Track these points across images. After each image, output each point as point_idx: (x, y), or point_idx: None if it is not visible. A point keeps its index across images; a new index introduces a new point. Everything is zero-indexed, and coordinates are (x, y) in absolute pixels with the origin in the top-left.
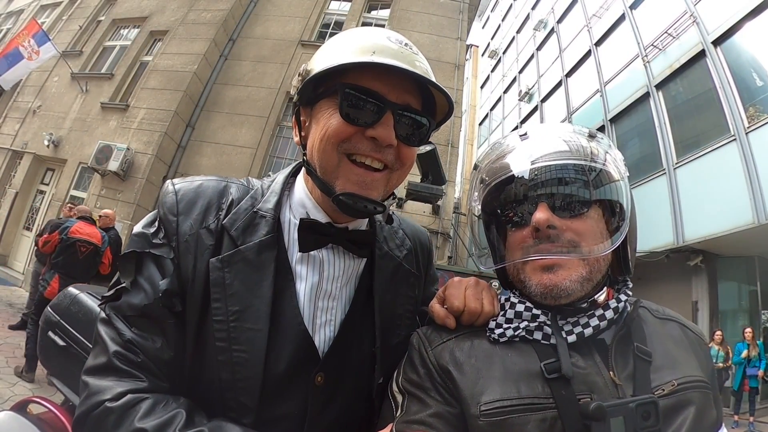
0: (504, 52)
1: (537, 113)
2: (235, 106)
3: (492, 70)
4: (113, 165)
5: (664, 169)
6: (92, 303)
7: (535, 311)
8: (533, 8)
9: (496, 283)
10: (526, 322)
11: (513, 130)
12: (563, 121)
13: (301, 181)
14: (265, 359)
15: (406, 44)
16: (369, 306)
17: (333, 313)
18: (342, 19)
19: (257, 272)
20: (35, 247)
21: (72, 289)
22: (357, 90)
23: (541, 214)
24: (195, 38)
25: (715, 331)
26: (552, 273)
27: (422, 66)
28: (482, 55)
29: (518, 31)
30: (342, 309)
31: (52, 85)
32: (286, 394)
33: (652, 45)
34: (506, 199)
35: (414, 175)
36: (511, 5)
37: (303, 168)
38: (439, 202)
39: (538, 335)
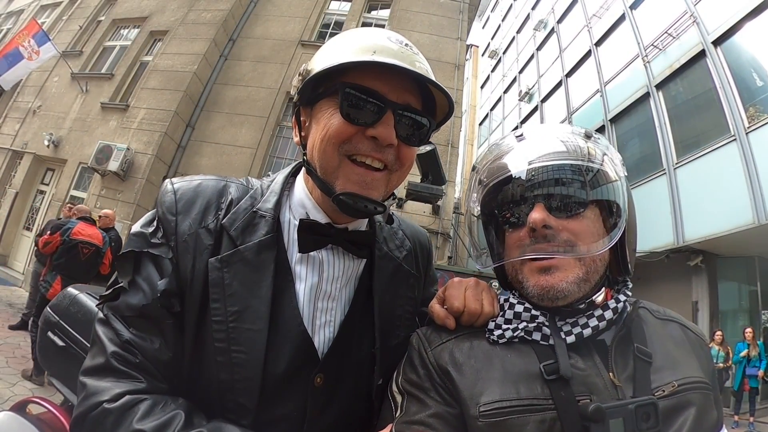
0: (504, 52)
1: (537, 113)
2: (235, 106)
3: (492, 70)
4: (113, 165)
5: (664, 169)
6: (91, 303)
7: (534, 312)
8: (533, 8)
9: (496, 284)
10: (524, 323)
11: (513, 130)
12: (563, 121)
13: (300, 181)
14: (264, 360)
15: (406, 44)
16: (368, 307)
17: (332, 313)
18: (342, 19)
19: (256, 272)
20: (35, 248)
21: (71, 290)
22: (357, 89)
23: (536, 214)
24: (195, 38)
25: (715, 332)
26: (548, 275)
27: (422, 66)
28: (482, 55)
29: (518, 31)
30: (341, 310)
31: (52, 85)
32: (285, 395)
33: (652, 45)
34: (503, 200)
35: (414, 175)
36: (511, 5)
37: (303, 168)
38: (439, 202)
39: (536, 336)
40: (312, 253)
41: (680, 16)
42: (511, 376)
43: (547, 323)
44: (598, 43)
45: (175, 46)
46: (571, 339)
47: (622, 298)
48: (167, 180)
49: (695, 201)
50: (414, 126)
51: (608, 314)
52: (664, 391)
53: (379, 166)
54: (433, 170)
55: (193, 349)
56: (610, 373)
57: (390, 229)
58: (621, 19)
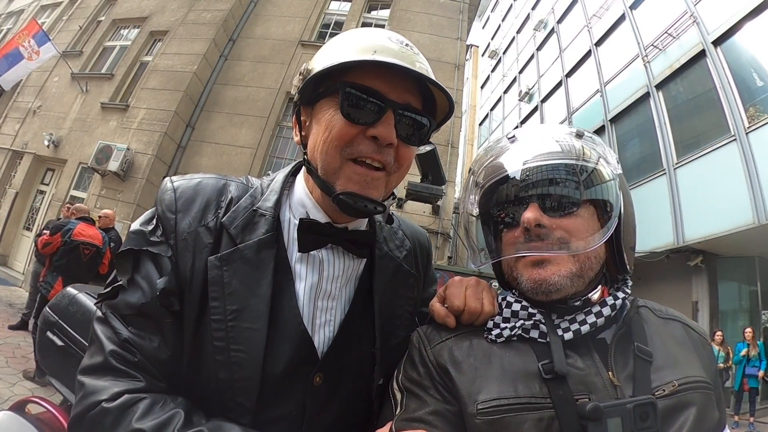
0: (504, 53)
1: (537, 113)
2: (235, 106)
3: (492, 71)
4: (113, 165)
5: (664, 170)
6: (91, 303)
7: (531, 310)
8: (533, 8)
9: (496, 284)
10: (522, 321)
11: (513, 130)
12: (563, 121)
13: (301, 180)
14: (263, 359)
15: (407, 44)
16: (368, 306)
17: (332, 313)
18: (342, 20)
19: (256, 271)
20: (35, 248)
21: (70, 289)
22: (358, 89)
23: (529, 214)
24: (195, 38)
25: (715, 332)
26: (541, 268)
27: (423, 66)
28: (482, 55)
29: (518, 32)
30: (341, 309)
31: (52, 86)
32: (284, 395)
33: (652, 45)
34: (498, 200)
35: (414, 175)
36: (511, 5)
37: (303, 167)
38: (439, 203)
39: (534, 333)
40: (312, 252)
41: (680, 16)
42: (509, 374)
43: (543, 320)
44: (598, 43)
45: (175, 46)
46: (569, 336)
47: (620, 295)
48: (167, 178)
49: (695, 201)
50: (414, 126)
51: (606, 311)
52: (664, 390)
53: (379, 166)
54: (433, 170)
55: (192, 348)
56: (609, 372)
57: (390, 229)
58: (621, 19)
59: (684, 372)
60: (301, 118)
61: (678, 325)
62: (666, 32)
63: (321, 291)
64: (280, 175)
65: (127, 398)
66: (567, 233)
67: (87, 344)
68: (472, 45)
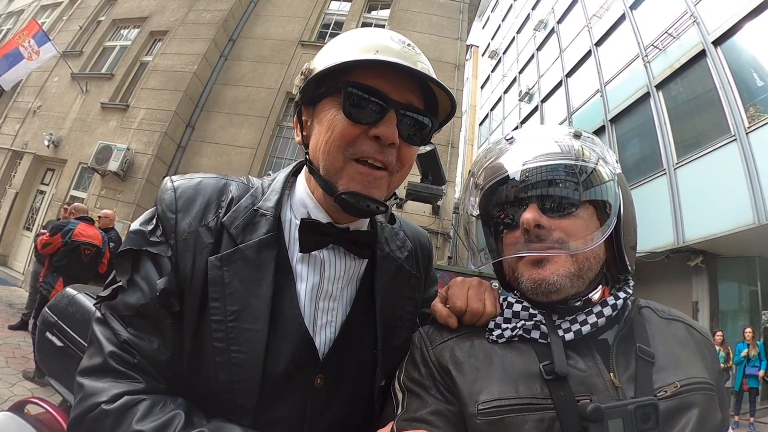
0: (504, 53)
1: (537, 113)
2: (235, 107)
3: (492, 71)
4: (113, 165)
5: (664, 169)
6: (90, 303)
7: (531, 310)
8: (533, 8)
9: (496, 284)
10: (523, 321)
11: (513, 130)
12: (563, 122)
13: (302, 180)
14: (263, 360)
15: (408, 44)
16: (370, 307)
17: (334, 314)
18: (342, 20)
19: (257, 271)
20: (34, 248)
21: (70, 290)
22: (360, 88)
23: (528, 215)
24: (195, 38)
25: (715, 332)
26: (540, 268)
27: (425, 66)
28: (482, 55)
29: (518, 32)
30: (343, 310)
31: (52, 86)
32: (284, 396)
33: (652, 45)
34: (498, 202)
35: (414, 175)
36: (511, 5)
37: (304, 167)
38: (439, 203)
39: (535, 334)
40: (313, 253)
41: (680, 16)
42: (510, 375)
43: (544, 321)
44: (598, 43)
45: (175, 46)
46: (569, 336)
47: (621, 295)
48: (167, 178)
49: (695, 201)
50: (416, 125)
51: (607, 311)
52: (666, 391)
53: (381, 166)
54: (433, 170)
55: (191, 349)
56: (611, 373)
57: (391, 230)
58: (621, 19)
59: (686, 373)
60: (303, 118)
61: (681, 325)
62: (666, 32)
63: (322, 292)
64: (281, 175)
65: (127, 400)
66: (565, 234)
67: (86, 345)
68: (472, 45)
